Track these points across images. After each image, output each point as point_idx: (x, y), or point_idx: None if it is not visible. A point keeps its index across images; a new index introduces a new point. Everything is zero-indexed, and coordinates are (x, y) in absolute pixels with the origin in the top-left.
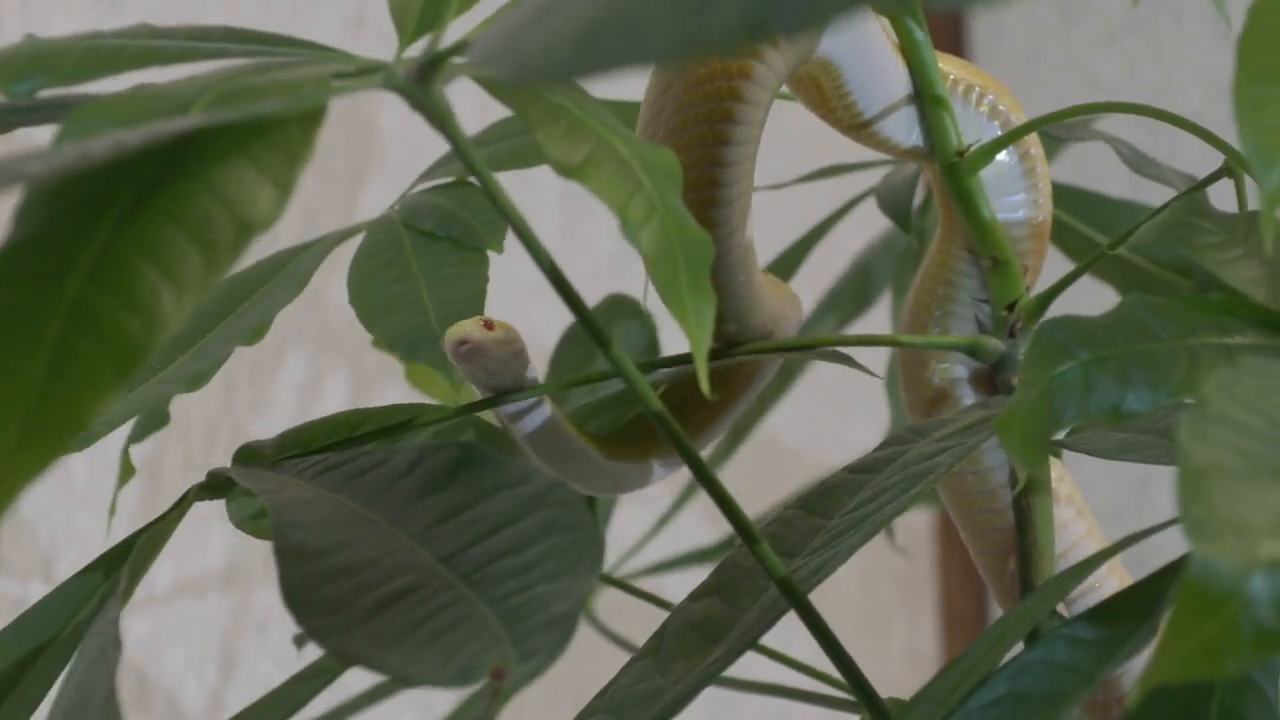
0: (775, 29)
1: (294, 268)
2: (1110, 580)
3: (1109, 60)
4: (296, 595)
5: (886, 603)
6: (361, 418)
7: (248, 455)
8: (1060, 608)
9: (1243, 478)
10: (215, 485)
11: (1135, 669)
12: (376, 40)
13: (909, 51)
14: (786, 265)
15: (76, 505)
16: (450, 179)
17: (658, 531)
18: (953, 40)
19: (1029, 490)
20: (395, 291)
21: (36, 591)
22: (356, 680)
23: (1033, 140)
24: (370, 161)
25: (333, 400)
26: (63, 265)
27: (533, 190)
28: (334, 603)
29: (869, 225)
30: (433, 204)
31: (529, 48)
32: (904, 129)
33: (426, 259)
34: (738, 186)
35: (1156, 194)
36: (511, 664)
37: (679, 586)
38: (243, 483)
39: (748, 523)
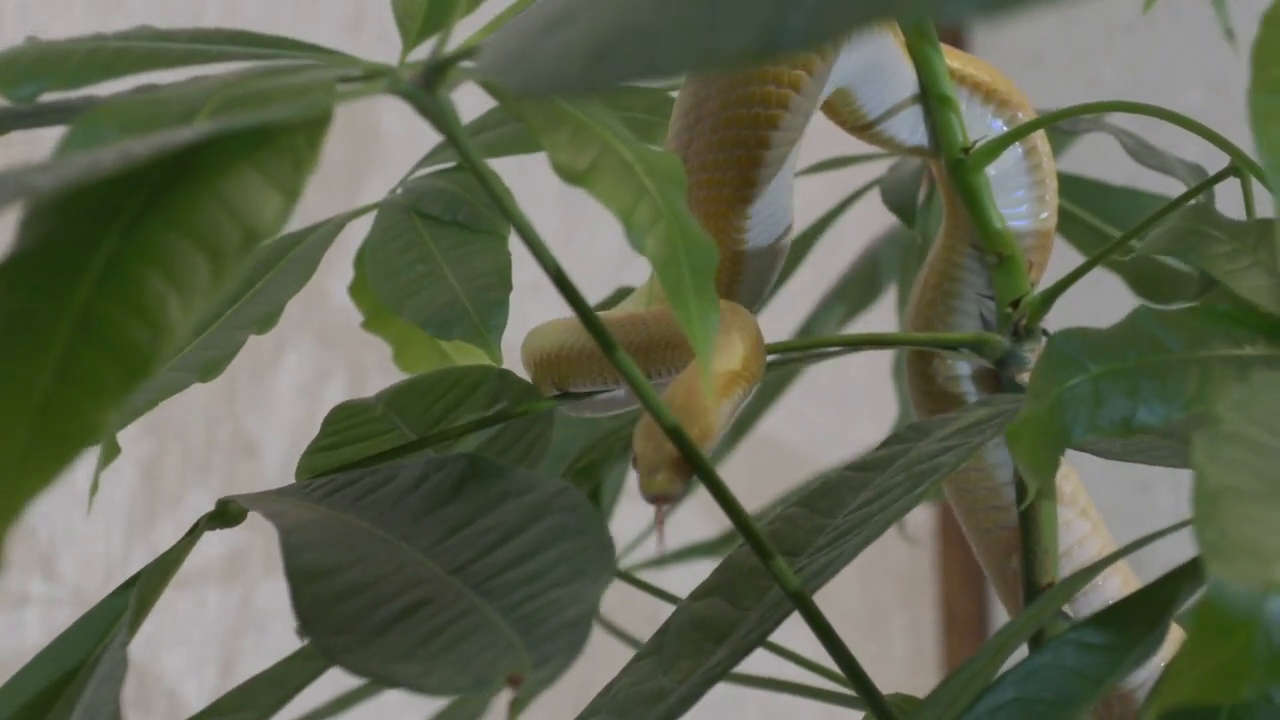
0: (785, 46)
1: (300, 253)
2: (1114, 578)
3: (1109, 60)
4: (309, 615)
5: (886, 603)
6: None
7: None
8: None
9: (1258, 499)
10: (224, 514)
11: (1139, 674)
12: (375, 41)
13: (915, 50)
14: (788, 261)
15: (76, 505)
16: (452, 164)
17: (652, 531)
18: (953, 40)
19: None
20: (418, 273)
21: (36, 588)
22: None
23: (1039, 137)
24: (370, 164)
25: (332, 401)
26: (70, 274)
27: (531, 190)
28: (347, 621)
29: (869, 221)
30: (438, 189)
31: (539, 60)
32: (909, 128)
33: (442, 240)
34: (762, 203)
35: (1155, 187)
36: (526, 670)
37: (678, 581)
38: (252, 508)
39: (761, 536)
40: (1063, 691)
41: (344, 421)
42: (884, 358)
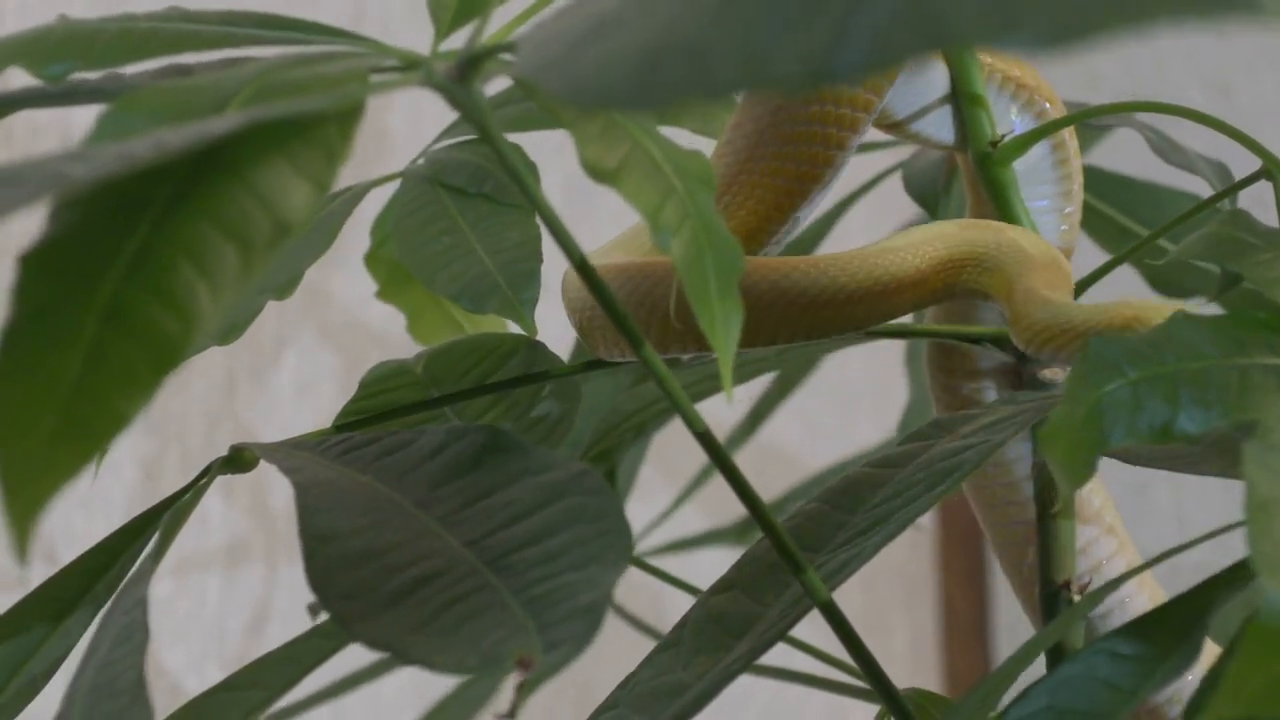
0: (841, 74)
1: (320, 221)
2: (1140, 595)
3: (1109, 60)
4: (321, 579)
5: (887, 602)
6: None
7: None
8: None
9: None
10: (237, 460)
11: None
12: (375, 38)
13: (949, 50)
14: (798, 253)
15: (76, 503)
16: (473, 136)
17: (659, 523)
18: None
19: (1050, 486)
20: (446, 245)
21: (37, 576)
22: (362, 655)
23: (1067, 133)
24: (374, 161)
25: (333, 399)
26: (100, 263)
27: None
28: (358, 587)
29: (874, 216)
30: (461, 160)
31: (584, 66)
32: (935, 124)
33: (468, 213)
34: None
35: (1169, 182)
36: (537, 653)
37: (678, 568)
38: (265, 459)
39: (792, 546)
40: (1095, 702)
41: (380, 384)
42: (887, 356)
